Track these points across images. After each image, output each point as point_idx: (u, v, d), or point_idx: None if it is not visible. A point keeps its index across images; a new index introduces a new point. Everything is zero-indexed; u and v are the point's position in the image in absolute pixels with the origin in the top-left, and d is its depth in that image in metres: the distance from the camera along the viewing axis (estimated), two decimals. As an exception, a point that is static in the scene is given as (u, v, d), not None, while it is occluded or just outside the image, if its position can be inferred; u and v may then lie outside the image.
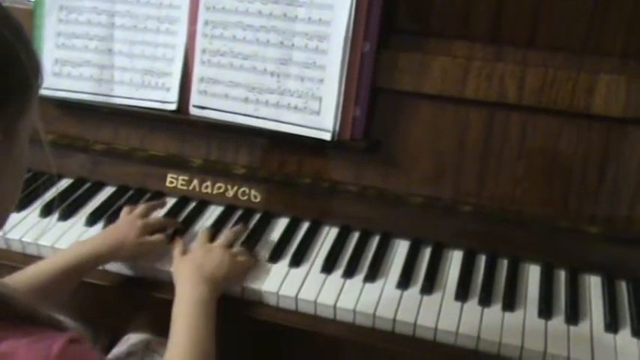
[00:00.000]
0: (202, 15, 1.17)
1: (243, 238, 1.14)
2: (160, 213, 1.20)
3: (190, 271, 0.98)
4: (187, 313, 0.91)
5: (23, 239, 1.13)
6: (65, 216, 1.20)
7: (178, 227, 1.17)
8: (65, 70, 1.25)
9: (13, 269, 1.06)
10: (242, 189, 1.21)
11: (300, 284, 1.04)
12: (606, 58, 1.07)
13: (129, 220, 1.10)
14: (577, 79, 1.05)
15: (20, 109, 0.58)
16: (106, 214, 1.20)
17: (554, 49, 1.09)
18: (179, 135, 1.24)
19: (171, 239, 1.12)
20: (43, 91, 1.24)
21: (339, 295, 1.02)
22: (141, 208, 1.14)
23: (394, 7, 1.13)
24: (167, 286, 1.04)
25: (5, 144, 0.57)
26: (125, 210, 1.14)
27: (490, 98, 1.09)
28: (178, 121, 1.23)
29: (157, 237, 1.09)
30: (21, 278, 0.93)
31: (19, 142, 0.59)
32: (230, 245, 1.09)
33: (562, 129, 1.08)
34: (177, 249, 1.07)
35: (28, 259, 1.11)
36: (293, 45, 1.13)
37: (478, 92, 1.09)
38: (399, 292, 1.03)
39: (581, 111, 1.06)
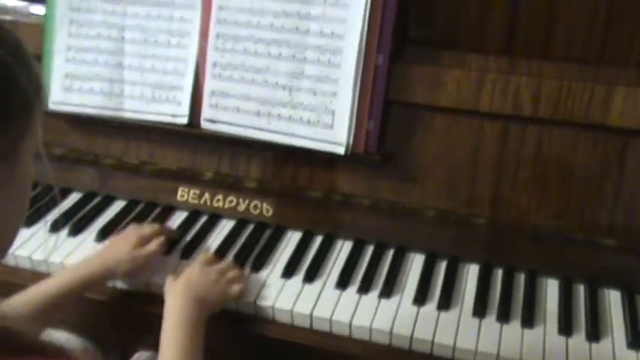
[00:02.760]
0: (214, 28, 1.16)
1: (254, 253, 1.13)
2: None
3: (182, 288, 0.95)
4: (176, 333, 0.89)
5: (32, 257, 1.12)
6: (75, 231, 1.18)
7: (174, 236, 1.15)
8: (76, 84, 1.24)
9: (23, 288, 1.05)
10: (254, 202, 1.20)
11: (314, 301, 1.03)
12: (622, 70, 1.06)
13: (124, 236, 1.09)
14: (593, 90, 1.04)
15: (22, 131, 0.56)
16: (116, 229, 1.19)
17: (570, 61, 1.08)
18: (190, 148, 1.23)
19: (169, 248, 1.12)
20: (54, 106, 1.26)
21: (354, 311, 1.01)
22: (147, 229, 1.11)
23: (407, 19, 1.12)
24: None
25: (7, 167, 0.56)
26: (130, 227, 1.13)
27: (505, 111, 1.07)
28: (189, 135, 1.21)
29: (150, 246, 1.07)
30: (13, 304, 0.90)
31: (22, 164, 0.58)
32: (227, 271, 1.05)
33: (578, 141, 1.07)
34: (170, 277, 1.02)
35: (37, 275, 1.10)
36: (305, 58, 1.12)
37: (493, 105, 1.08)
38: (415, 308, 1.02)
39: (598, 123, 1.05)
